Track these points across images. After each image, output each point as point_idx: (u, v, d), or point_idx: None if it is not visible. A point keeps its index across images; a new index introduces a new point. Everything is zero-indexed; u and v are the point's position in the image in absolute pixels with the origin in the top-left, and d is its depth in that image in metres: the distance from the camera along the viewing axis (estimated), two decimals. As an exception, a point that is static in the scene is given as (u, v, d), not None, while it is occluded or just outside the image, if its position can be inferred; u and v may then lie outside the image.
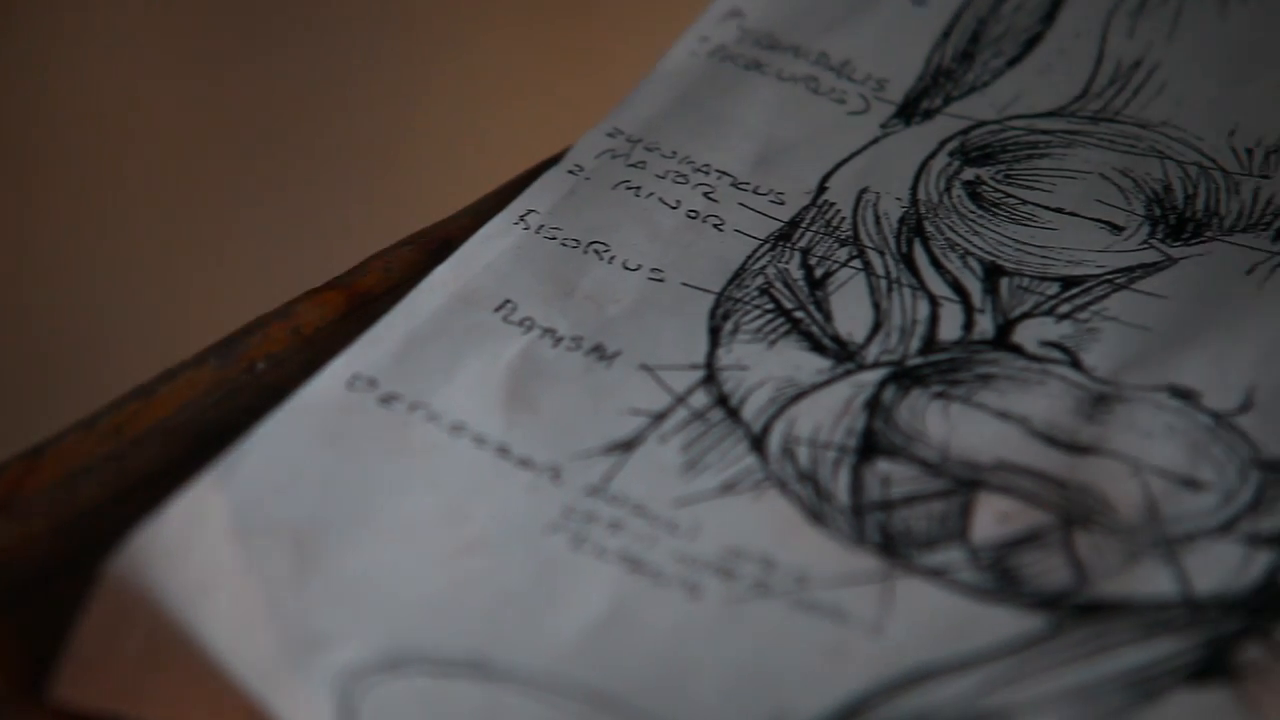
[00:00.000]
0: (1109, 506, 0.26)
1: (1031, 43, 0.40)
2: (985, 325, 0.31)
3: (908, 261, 0.34)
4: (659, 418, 0.29)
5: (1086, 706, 0.21)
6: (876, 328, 0.31)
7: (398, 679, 0.22)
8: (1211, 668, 0.22)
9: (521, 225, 0.35)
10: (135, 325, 0.78)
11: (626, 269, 0.34)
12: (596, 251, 0.34)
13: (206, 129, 0.92)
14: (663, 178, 0.36)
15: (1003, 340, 0.31)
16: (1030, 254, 0.33)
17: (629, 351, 0.31)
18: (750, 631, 0.24)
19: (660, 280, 0.33)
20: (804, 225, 0.35)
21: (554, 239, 0.35)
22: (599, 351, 0.31)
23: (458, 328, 0.31)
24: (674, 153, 0.37)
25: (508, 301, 0.32)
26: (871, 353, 0.31)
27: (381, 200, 0.93)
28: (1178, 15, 0.40)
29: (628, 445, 0.28)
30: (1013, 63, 0.40)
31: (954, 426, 0.28)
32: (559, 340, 0.31)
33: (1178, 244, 0.34)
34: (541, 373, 0.30)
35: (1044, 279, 0.33)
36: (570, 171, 0.37)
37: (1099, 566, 0.25)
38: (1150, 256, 0.34)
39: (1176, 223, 0.34)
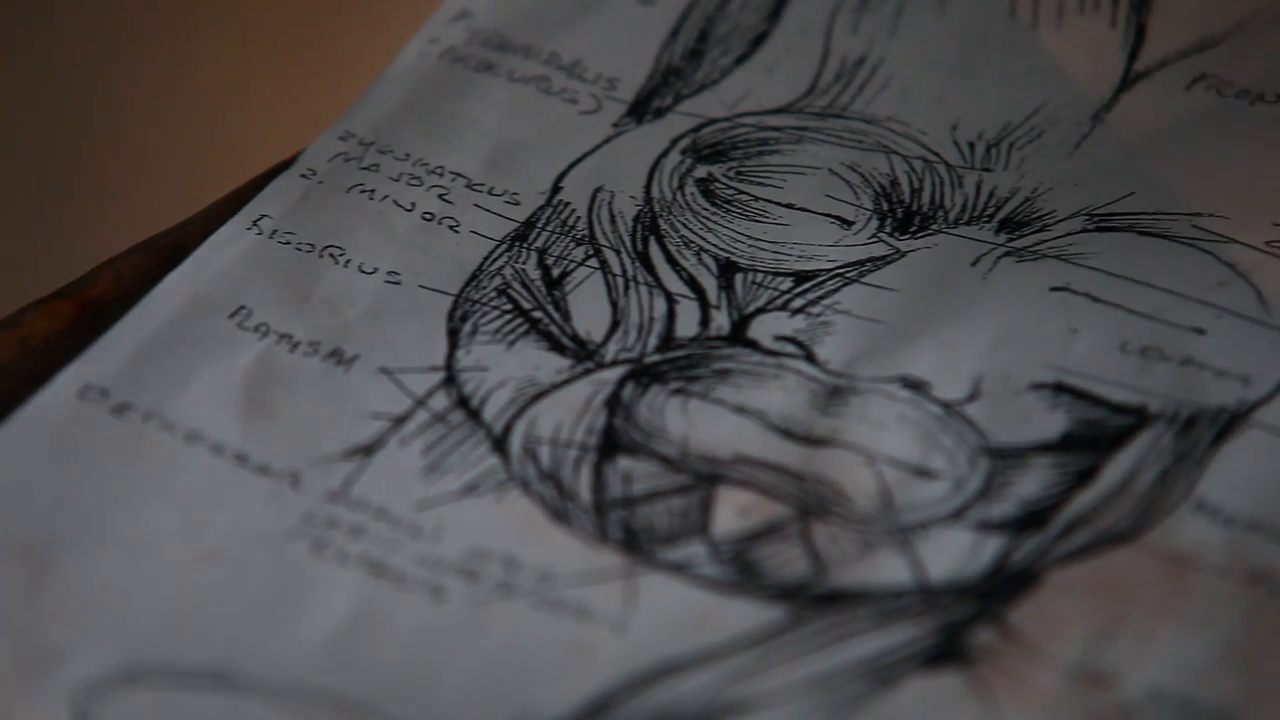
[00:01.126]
0: (845, 497, 0.29)
1: (758, 40, 0.44)
2: (721, 321, 0.35)
3: (643, 259, 0.37)
4: (399, 421, 0.32)
5: (826, 695, 0.24)
6: (614, 326, 0.34)
7: (136, 692, 0.24)
8: (946, 653, 0.25)
9: (255, 230, 0.38)
10: None
11: (363, 272, 0.36)
12: (332, 256, 0.37)
13: (-80, 131, 0.91)
14: (397, 180, 0.39)
15: (738, 336, 0.34)
16: (763, 250, 0.37)
17: (367, 355, 0.34)
18: (495, 632, 0.26)
19: (397, 283, 0.36)
20: (540, 225, 0.38)
21: (288, 244, 0.37)
22: (337, 356, 0.34)
23: (191, 335, 0.34)
24: (407, 155, 0.40)
25: (242, 308, 0.35)
26: (610, 351, 0.34)
27: (111, 205, 0.94)
28: (899, 12, 0.44)
29: (368, 449, 0.31)
30: (741, 60, 0.44)
31: (693, 422, 0.32)
32: (296, 345, 0.34)
33: (905, 237, 0.38)
34: (279, 378, 0.33)
35: (777, 274, 0.36)
36: (303, 175, 0.40)
37: (836, 556, 0.28)
38: (879, 250, 0.37)
39: (904, 216, 0.38)
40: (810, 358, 0.34)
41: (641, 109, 0.43)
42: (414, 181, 0.39)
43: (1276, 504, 0.28)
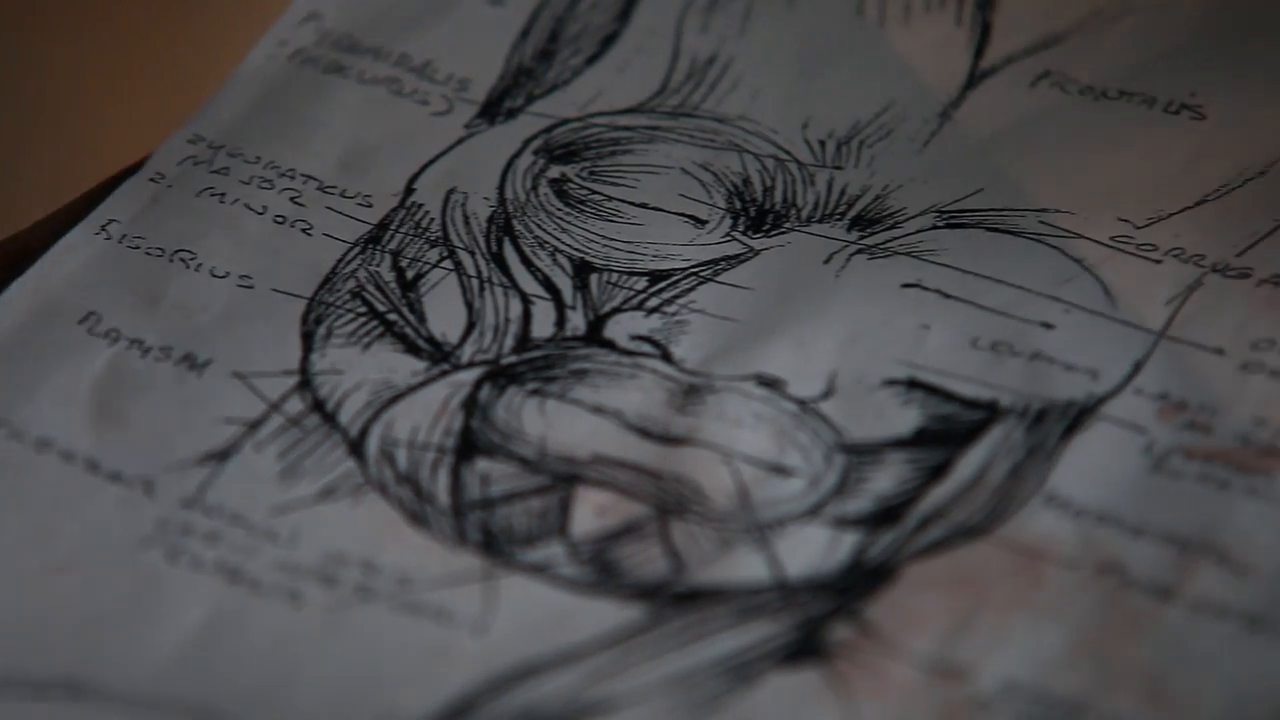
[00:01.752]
0: (702, 496, 0.30)
1: (609, 41, 0.45)
2: (577, 321, 0.36)
3: (498, 261, 0.38)
4: (254, 425, 0.32)
5: (686, 694, 0.25)
6: (470, 327, 0.35)
7: (-12, 702, 0.24)
8: (804, 649, 0.26)
9: (103, 235, 0.38)
10: None
11: (214, 277, 0.37)
12: (183, 260, 0.37)
13: None
14: (247, 183, 0.40)
15: (595, 336, 0.35)
16: (618, 249, 0.38)
17: (220, 360, 0.34)
18: (353, 637, 0.27)
19: (250, 287, 0.37)
20: (393, 227, 0.39)
21: (138, 248, 0.38)
22: (189, 361, 0.34)
23: (40, 342, 0.34)
24: (258, 158, 0.41)
25: (92, 313, 0.35)
26: (466, 352, 0.34)
27: (-47, 210, 0.91)
28: (748, 11, 0.45)
29: (222, 455, 0.31)
30: (592, 61, 0.44)
31: (550, 423, 0.32)
32: (147, 351, 0.34)
33: (759, 236, 0.39)
34: (130, 384, 0.34)
35: (632, 274, 0.37)
36: (152, 179, 0.40)
37: (694, 555, 0.29)
38: (733, 249, 0.38)
39: (756, 215, 0.39)
40: (666, 357, 0.35)
41: (493, 110, 0.44)
42: (265, 184, 0.40)
43: (1125, 496, 0.29)
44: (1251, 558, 0.27)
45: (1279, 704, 0.24)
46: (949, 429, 0.32)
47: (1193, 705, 0.25)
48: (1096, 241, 0.38)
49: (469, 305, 0.36)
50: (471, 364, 0.35)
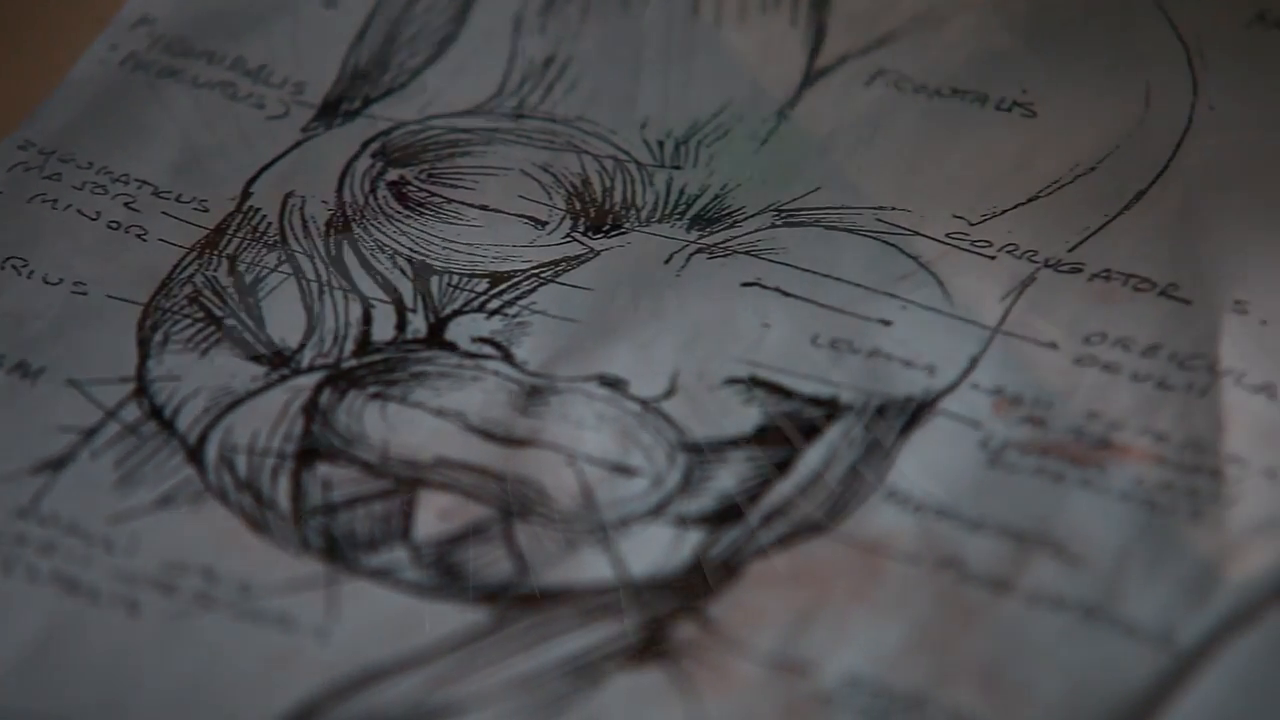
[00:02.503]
0: (546, 497, 0.31)
1: (445, 42, 0.45)
2: (418, 324, 0.36)
3: (337, 264, 0.38)
4: (89, 433, 0.32)
5: (531, 696, 0.25)
6: (310, 332, 0.35)
7: None
8: (649, 648, 0.26)
9: None
10: None
11: (47, 283, 0.37)
12: (14, 267, 0.37)
13: None
14: (80, 189, 0.40)
15: (436, 338, 0.36)
16: (458, 252, 0.38)
17: (54, 367, 0.34)
18: (194, 645, 0.27)
19: (84, 293, 0.36)
20: (230, 232, 0.39)
21: None
22: (22, 369, 0.34)
23: None
24: (90, 164, 0.41)
25: None
26: (306, 357, 0.35)
27: None
28: (585, 12, 0.46)
29: (57, 463, 0.31)
30: (429, 63, 0.45)
31: (392, 426, 0.33)
32: None
33: (599, 236, 0.39)
34: None
35: (473, 276, 0.37)
36: None
37: (539, 556, 0.29)
38: (574, 250, 0.39)
39: (596, 216, 0.40)
40: (508, 359, 0.35)
41: (330, 113, 0.44)
42: (98, 190, 0.40)
43: (963, 491, 0.30)
44: (1086, 550, 0.29)
45: (1114, 692, 0.25)
46: (790, 426, 0.33)
47: (1030, 696, 0.26)
48: (932, 238, 0.39)
49: (308, 309, 0.36)
50: (312, 368, 0.35)
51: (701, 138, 0.44)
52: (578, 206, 0.41)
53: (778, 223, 0.40)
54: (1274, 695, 0.25)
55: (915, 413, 0.32)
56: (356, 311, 0.36)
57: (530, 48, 0.46)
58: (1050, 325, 0.34)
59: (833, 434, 0.32)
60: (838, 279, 0.37)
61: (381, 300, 0.37)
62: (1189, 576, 0.27)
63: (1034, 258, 0.36)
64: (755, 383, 0.34)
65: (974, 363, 0.34)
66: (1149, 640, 0.26)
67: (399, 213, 0.41)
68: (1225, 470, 0.29)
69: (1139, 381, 0.32)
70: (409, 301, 0.37)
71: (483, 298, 0.37)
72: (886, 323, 0.35)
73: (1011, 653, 0.26)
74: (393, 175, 0.42)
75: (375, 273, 0.38)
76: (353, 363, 0.35)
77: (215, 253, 0.38)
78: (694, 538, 0.29)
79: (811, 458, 0.31)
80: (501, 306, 0.37)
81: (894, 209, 0.40)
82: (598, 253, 0.40)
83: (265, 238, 0.39)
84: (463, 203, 0.41)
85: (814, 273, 0.37)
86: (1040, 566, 0.28)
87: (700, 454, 0.32)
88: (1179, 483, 0.29)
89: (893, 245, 0.39)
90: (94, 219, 0.38)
